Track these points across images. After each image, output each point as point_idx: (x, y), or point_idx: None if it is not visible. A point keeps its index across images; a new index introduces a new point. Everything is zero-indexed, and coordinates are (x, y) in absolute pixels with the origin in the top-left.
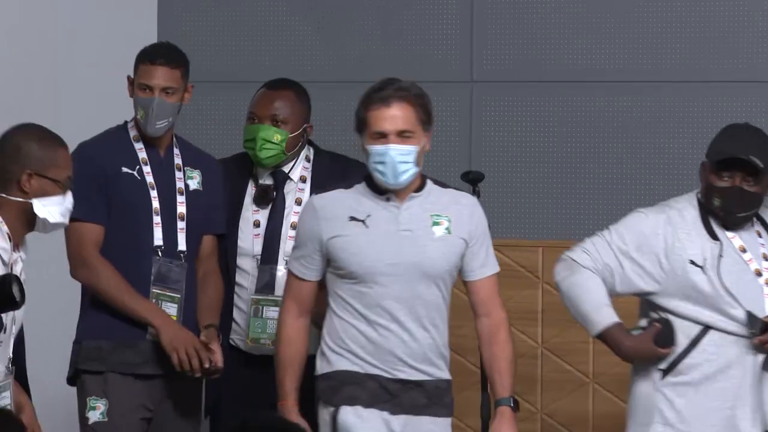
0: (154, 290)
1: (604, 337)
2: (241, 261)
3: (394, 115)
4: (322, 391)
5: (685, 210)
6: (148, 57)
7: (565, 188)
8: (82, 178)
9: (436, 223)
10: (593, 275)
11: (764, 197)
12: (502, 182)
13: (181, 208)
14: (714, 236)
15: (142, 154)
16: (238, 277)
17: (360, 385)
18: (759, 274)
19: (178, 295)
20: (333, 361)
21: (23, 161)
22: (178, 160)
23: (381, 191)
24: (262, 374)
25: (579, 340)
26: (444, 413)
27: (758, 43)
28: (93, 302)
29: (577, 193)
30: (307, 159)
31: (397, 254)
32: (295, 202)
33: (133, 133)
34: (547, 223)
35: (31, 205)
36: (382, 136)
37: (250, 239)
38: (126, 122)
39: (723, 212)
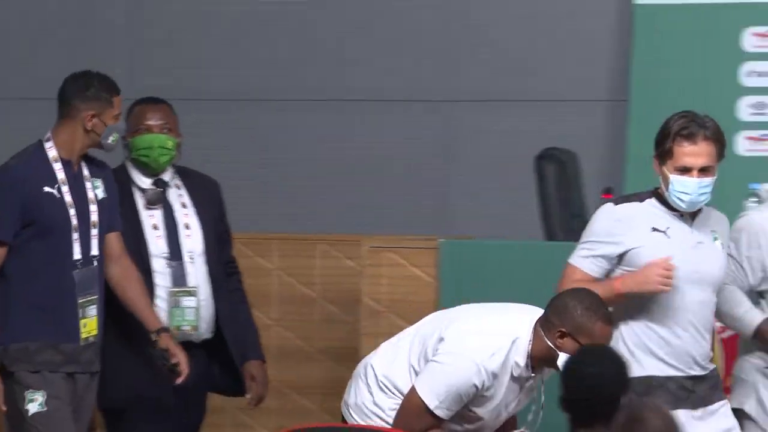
0: (79, 300)
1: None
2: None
3: None
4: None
5: None
6: (118, 91)
7: None
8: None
9: (716, 238)
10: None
11: None
12: None
13: (94, 217)
14: None
15: (61, 174)
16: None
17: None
18: None
19: (96, 296)
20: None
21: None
22: (86, 172)
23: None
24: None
25: None
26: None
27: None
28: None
29: None
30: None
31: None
32: (181, 205)
33: (52, 153)
34: None
35: None
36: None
37: (154, 241)
38: (41, 141)
39: None
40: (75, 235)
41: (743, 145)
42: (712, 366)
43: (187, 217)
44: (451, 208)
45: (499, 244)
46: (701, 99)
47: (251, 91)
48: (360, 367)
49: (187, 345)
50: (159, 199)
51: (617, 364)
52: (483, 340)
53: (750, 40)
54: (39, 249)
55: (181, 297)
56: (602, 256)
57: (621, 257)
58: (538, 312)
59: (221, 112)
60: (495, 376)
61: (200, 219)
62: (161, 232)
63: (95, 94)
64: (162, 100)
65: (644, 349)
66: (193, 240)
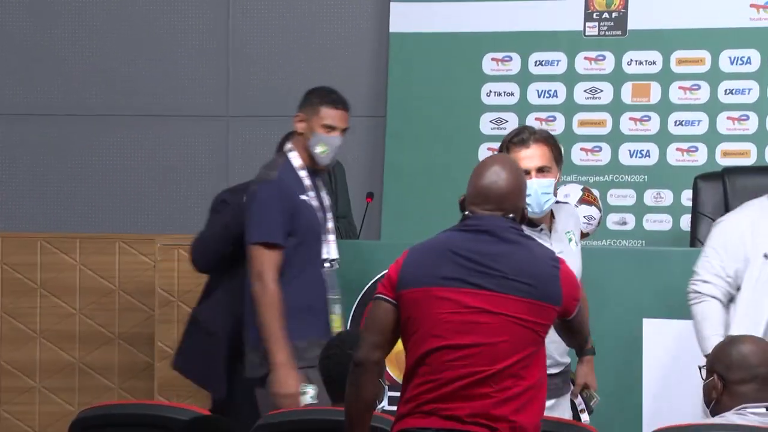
0: (330, 297)
1: None
2: None
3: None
4: None
5: None
6: (337, 102)
7: None
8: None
9: (570, 239)
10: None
11: None
12: None
13: (330, 223)
14: None
15: (307, 182)
16: None
17: None
18: None
19: (339, 295)
20: None
21: None
22: (319, 183)
23: None
24: None
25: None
26: None
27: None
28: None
29: None
30: None
31: None
32: None
33: (297, 162)
34: None
35: None
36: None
37: None
38: (283, 152)
39: None
40: (323, 239)
41: (486, 155)
42: (567, 361)
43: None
44: None
45: None
46: (449, 115)
47: (50, 106)
48: None
49: None
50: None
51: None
52: None
53: (489, 64)
54: (302, 253)
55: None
56: None
57: None
58: None
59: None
60: None
61: None
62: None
63: (308, 98)
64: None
65: None
66: None
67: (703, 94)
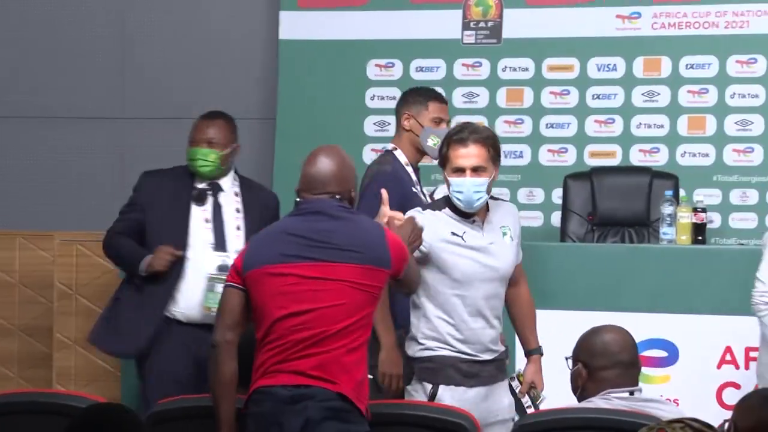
0: None
1: None
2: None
3: None
4: None
5: None
6: (440, 97)
7: None
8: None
9: (504, 233)
10: None
11: None
12: None
13: None
14: None
15: (414, 177)
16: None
17: None
18: None
19: None
20: None
21: None
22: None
23: None
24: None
25: None
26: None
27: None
28: None
29: None
30: (234, 178)
31: None
32: (235, 209)
33: (403, 159)
34: None
35: None
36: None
37: (201, 232)
38: (389, 150)
39: None
40: None
41: (369, 156)
42: (501, 348)
43: (238, 220)
44: None
45: None
46: (336, 118)
47: None
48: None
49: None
50: (201, 198)
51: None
52: None
53: (373, 69)
54: None
55: (216, 283)
56: None
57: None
58: None
59: None
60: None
61: (247, 224)
62: (210, 225)
63: (412, 97)
64: (219, 115)
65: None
66: (240, 240)
67: (572, 99)
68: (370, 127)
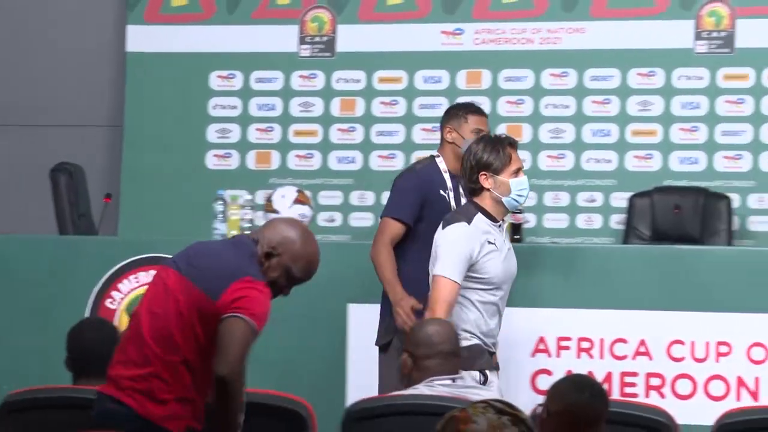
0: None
1: None
2: None
3: None
4: None
5: None
6: (479, 110)
7: None
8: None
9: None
10: None
11: None
12: None
13: None
14: None
15: (450, 183)
16: None
17: None
18: None
19: None
20: None
21: None
22: (460, 186)
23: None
24: None
25: None
26: None
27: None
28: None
29: None
30: None
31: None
32: None
33: (443, 166)
34: None
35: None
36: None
37: None
38: (433, 156)
39: None
40: None
41: (211, 161)
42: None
43: None
44: None
45: (18, 237)
46: (180, 126)
47: None
48: None
49: None
50: None
51: None
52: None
53: (215, 80)
54: (426, 237)
55: None
56: None
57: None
58: None
59: None
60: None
61: None
62: None
63: (454, 112)
64: None
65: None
66: None
67: (400, 109)
68: (212, 134)
